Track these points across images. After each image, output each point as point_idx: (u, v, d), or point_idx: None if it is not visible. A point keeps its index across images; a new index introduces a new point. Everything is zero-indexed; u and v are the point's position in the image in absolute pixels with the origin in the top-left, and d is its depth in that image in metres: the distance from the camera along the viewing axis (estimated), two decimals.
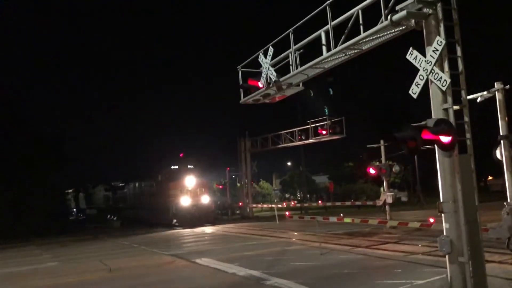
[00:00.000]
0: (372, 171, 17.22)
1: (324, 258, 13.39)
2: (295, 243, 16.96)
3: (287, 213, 17.41)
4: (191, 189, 29.55)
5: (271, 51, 10.67)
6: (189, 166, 31.19)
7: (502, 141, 8.12)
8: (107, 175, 52.78)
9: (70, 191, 64.27)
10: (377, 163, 17.52)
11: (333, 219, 14.45)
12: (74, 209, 63.26)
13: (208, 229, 26.69)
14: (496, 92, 8.27)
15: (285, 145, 29.66)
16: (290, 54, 10.44)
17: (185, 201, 28.83)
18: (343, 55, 9.07)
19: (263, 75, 10.96)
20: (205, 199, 29.85)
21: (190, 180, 29.65)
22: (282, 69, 10.91)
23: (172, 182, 30.11)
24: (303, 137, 27.66)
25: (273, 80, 10.71)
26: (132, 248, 19.99)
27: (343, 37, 8.58)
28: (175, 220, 29.22)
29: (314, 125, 26.50)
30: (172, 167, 31.62)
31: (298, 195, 46.58)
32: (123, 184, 45.23)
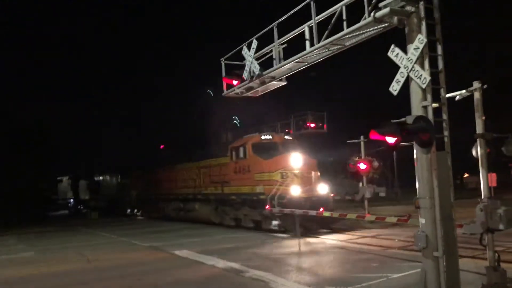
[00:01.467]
0: (363, 165, 17.27)
1: (302, 250, 13.53)
2: (275, 235, 17.09)
3: (267, 206, 17.46)
4: (300, 173, 17.88)
5: (255, 44, 10.65)
6: (286, 137, 20.78)
7: (478, 139, 8.29)
8: (120, 159, 42.34)
9: (64, 178, 56.05)
10: (356, 159, 17.64)
11: (313, 212, 14.57)
12: (71, 200, 53.75)
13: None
14: (474, 91, 8.42)
15: None
16: (274, 48, 10.43)
17: (295, 191, 17.14)
18: (326, 50, 9.10)
19: (247, 68, 10.94)
20: (323, 189, 18.12)
21: (297, 158, 18.02)
22: (265, 62, 10.91)
23: (266, 160, 18.65)
24: (285, 131, 27.73)
25: (257, 73, 10.70)
26: (111, 239, 19.88)
27: (326, 32, 8.60)
28: (275, 222, 18.13)
29: (296, 118, 26.59)
30: (263, 137, 20.03)
31: None
32: (152, 167, 32.50)
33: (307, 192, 17.41)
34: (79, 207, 50.50)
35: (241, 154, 20.18)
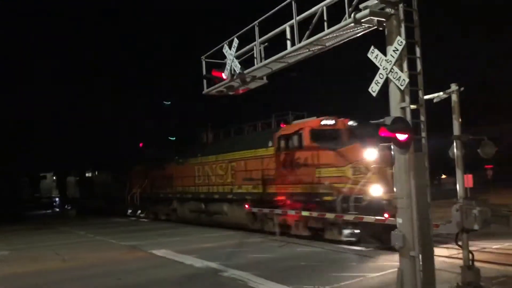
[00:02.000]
0: None
1: (281, 250, 13.56)
2: (254, 235, 17.08)
3: (246, 205, 17.48)
4: (377, 168, 13.84)
5: (236, 42, 10.61)
6: (350, 123, 15.80)
7: (455, 141, 8.43)
8: (117, 154, 38.21)
9: (48, 174, 51.81)
10: None
11: (292, 212, 14.62)
12: (56, 198, 49.08)
13: None
14: (452, 94, 8.56)
15: None
16: (255, 47, 10.41)
17: (376, 191, 13.39)
18: (307, 50, 9.13)
19: (227, 67, 10.89)
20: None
21: (371, 149, 13.93)
22: (246, 61, 10.89)
23: (333, 150, 14.62)
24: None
25: (237, 72, 10.66)
26: (88, 238, 19.59)
27: (307, 32, 8.62)
28: (347, 231, 13.80)
29: (277, 118, 26.63)
30: (325, 122, 15.63)
31: None
32: (159, 162, 27.19)
33: (388, 193, 12.84)
34: (66, 206, 44.44)
35: (295, 143, 15.74)
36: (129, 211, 30.93)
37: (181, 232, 20.06)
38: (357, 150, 14.28)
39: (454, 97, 8.46)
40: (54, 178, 50.46)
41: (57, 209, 46.07)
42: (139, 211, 29.87)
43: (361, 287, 8.66)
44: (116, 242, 17.26)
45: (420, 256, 6.94)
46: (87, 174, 41.40)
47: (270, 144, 16.98)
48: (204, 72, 11.90)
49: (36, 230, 24.83)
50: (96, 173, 39.59)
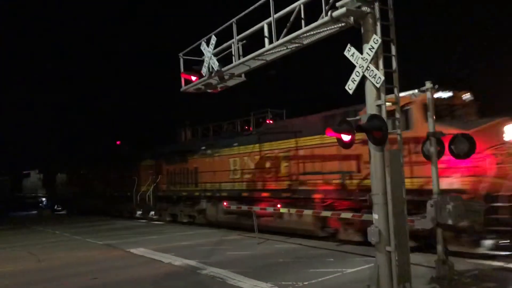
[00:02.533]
0: None
1: (260, 247, 13.61)
2: (233, 233, 17.09)
3: (224, 203, 17.48)
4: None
5: (213, 40, 10.58)
6: (466, 96, 12.15)
7: (429, 137, 8.59)
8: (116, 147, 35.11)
9: (32, 172, 46.56)
10: None
11: (270, 209, 14.67)
12: (43, 198, 44.04)
13: None
14: (426, 91, 8.72)
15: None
16: (233, 45, 10.39)
17: None
18: (285, 48, 9.17)
19: (205, 64, 10.85)
20: None
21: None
22: (224, 59, 10.86)
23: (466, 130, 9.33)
24: (245, 128, 27.76)
25: (215, 69, 10.64)
26: (64, 237, 19.28)
27: (285, 30, 8.66)
28: (489, 242, 9.94)
29: (256, 116, 26.67)
30: (440, 95, 11.46)
31: None
32: (177, 153, 23.14)
33: None
34: (56, 207, 40.27)
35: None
36: (138, 212, 26.75)
37: (159, 230, 19.91)
38: (496, 130, 10.64)
39: (428, 95, 8.62)
40: (40, 175, 45.14)
41: (45, 210, 40.77)
42: (152, 212, 25.40)
43: (338, 283, 8.75)
44: (93, 241, 17.03)
45: (396, 251, 7.07)
46: (82, 171, 36.70)
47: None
48: (181, 69, 11.83)
49: (10, 230, 24.29)
50: (93, 169, 34.78)
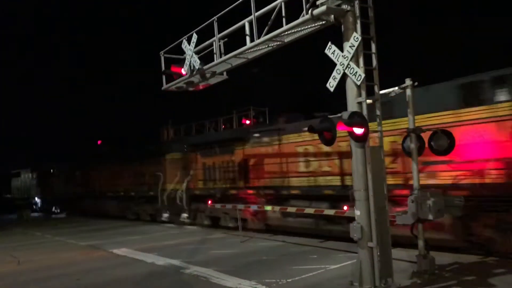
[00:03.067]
0: None
1: (244, 245, 13.61)
2: (217, 232, 17.06)
3: (209, 201, 17.44)
4: None
5: (195, 38, 10.54)
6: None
7: (410, 134, 8.70)
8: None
9: (22, 171, 42.52)
10: None
11: (254, 207, 14.69)
12: (37, 200, 40.12)
13: None
14: (406, 88, 8.82)
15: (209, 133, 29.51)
16: (214, 43, 10.38)
17: None
18: (266, 46, 9.19)
19: (187, 62, 10.81)
20: None
21: None
22: (206, 57, 10.85)
23: None
24: (227, 126, 27.72)
25: (197, 67, 10.61)
26: (45, 239, 19.00)
27: (266, 28, 8.69)
28: None
29: (238, 114, 26.66)
30: None
31: None
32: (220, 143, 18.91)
33: None
34: (54, 209, 36.38)
35: None
36: (165, 215, 22.02)
37: (141, 230, 19.76)
38: None
39: (408, 92, 8.72)
40: (33, 175, 41.09)
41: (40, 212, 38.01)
42: (184, 215, 20.74)
43: (322, 279, 8.80)
44: (75, 243, 16.82)
45: (378, 246, 7.16)
46: (86, 169, 32.33)
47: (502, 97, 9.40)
48: (163, 68, 11.75)
49: None
50: (101, 165, 30.13)
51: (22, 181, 44.19)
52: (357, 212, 7.28)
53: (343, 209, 11.65)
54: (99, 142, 37.10)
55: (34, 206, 40.21)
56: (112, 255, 13.48)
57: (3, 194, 46.34)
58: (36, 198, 40.54)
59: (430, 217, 8.14)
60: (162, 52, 11.85)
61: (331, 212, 11.79)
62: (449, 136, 8.58)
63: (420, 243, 8.61)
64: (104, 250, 14.39)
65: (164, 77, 11.90)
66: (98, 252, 14.21)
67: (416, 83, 8.74)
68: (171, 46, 11.54)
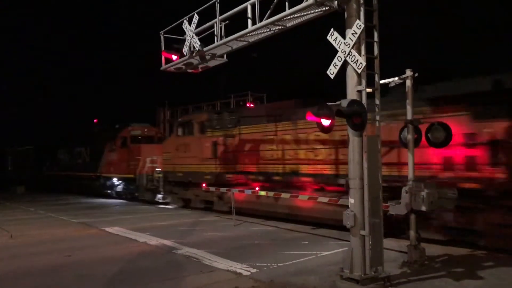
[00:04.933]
0: None
1: (236, 229, 13.68)
2: (210, 215, 17.13)
3: (203, 184, 17.50)
4: None
5: (196, 19, 10.43)
6: None
7: (407, 124, 8.71)
8: None
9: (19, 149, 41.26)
10: None
11: (248, 191, 14.72)
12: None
13: None
14: (406, 79, 8.80)
15: None
16: (215, 24, 10.28)
17: None
18: (268, 30, 9.12)
19: (187, 43, 10.71)
20: None
21: None
22: (206, 38, 10.75)
23: None
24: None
25: (197, 49, 10.51)
26: (39, 214, 19.01)
27: (268, 12, 8.60)
28: None
29: (236, 99, 26.59)
30: None
31: None
32: None
33: None
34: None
35: None
36: (159, 196, 21.53)
37: (135, 209, 19.81)
38: None
39: (408, 83, 8.70)
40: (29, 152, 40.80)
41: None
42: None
43: (313, 265, 8.87)
44: (68, 219, 16.85)
45: (370, 235, 7.20)
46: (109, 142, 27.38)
47: None
48: (162, 48, 11.65)
49: None
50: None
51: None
52: (351, 200, 7.31)
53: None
54: (95, 120, 36.95)
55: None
56: (105, 233, 13.52)
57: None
58: None
59: (423, 208, 8.19)
60: (162, 32, 11.74)
61: (324, 199, 11.82)
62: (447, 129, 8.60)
63: (412, 233, 8.68)
64: (97, 228, 14.42)
65: (163, 57, 11.79)
66: (91, 230, 14.24)
67: (416, 74, 8.72)
68: (171, 26, 11.43)
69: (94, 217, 17.31)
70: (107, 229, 14.13)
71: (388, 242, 10.15)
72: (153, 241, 11.85)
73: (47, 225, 15.53)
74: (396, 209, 8.60)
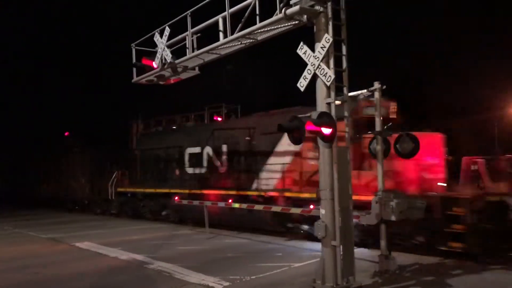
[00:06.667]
0: None
1: (209, 242, 13.58)
2: (184, 228, 16.96)
3: (176, 197, 17.35)
4: None
5: (167, 31, 10.42)
6: None
7: (376, 136, 8.88)
8: None
9: None
10: None
11: (222, 204, 14.66)
12: None
13: None
14: (375, 91, 9.00)
15: None
16: (187, 37, 10.29)
17: None
18: (239, 43, 9.18)
19: (158, 55, 10.68)
20: None
21: None
22: (178, 51, 10.75)
23: None
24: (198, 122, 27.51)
25: (168, 61, 10.50)
26: (4, 231, 18.44)
27: (240, 25, 8.67)
28: None
29: (210, 110, 26.50)
30: None
31: None
32: None
33: None
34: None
35: None
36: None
37: (108, 224, 19.44)
38: None
39: (376, 95, 8.89)
40: None
41: None
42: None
43: (285, 277, 8.87)
44: (37, 235, 16.40)
45: (341, 245, 7.26)
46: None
47: None
48: (134, 60, 11.57)
49: None
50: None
51: None
52: (322, 211, 7.37)
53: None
54: (66, 133, 36.24)
55: None
56: (75, 249, 13.22)
57: None
58: None
59: (393, 218, 8.33)
60: (133, 44, 11.68)
61: (297, 210, 11.88)
62: (414, 140, 8.81)
63: (382, 243, 8.80)
64: (67, 244, 14.09)
65: (134, 69, 11.72)
66: (60, 246, 13.90)
67: (384, 87, 8.92)
68: (143, 38, 11.38)
69: (63, 232, 16.90)
70: (77, 244, 13.82)
71: (360, 252, 10.28)
72: (124, 255, 11.64)
73: (15, 242, 15.07)
74: (367, 219, 8.72)
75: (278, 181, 13.67)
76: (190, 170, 17.69)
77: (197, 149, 17.30)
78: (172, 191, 17.66)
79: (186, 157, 17.89)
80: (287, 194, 13.21)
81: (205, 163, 16.90)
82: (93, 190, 25.39)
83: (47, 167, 31.76)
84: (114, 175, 22.61)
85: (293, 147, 12.30)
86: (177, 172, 18.46)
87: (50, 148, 34.43)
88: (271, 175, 13.97)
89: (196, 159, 17.36)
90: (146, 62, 11.14)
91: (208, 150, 16.81)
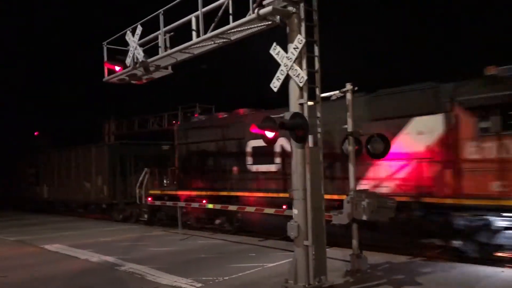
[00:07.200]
0: None
1: (183, 243, 13.48)
2: (156, 229, 16.78)
3: (149, 198, 17.17)
4: None
5: (139, 30, 10.28)
6: None
7: (348, 137, 8.97)
8: None
9: None
10: None
11: (195, 204, 14.57)
12: None
13: None
14: (346, 93, 9.08)
15: (153, 129, 28.97)
16: (159, 36, 10.18)
17: None
18: (212, 43, 9.13)
19: (130, 54, 10.52)
20: None
21: None
22: (151, 50, 10.62)
23: None
24: (172, 122, 27.31)
25: (140, 60, 10.36)
26: None
27: (213, 25, 8.63)
28: None
29: (184, 110, 26.35)
30: None
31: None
32: None
33: None
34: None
35: None
36: None
37: (76, 226, 19.06)
38: None
39: (348, 96, 8.98)
40: None
41: None
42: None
43: (258, 277, 8.88)
44: (3, 238, 15.95)
45: (313, 245, 7.31)
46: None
47: None
48: (105, 58, 11.38)
49: None
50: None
51: None
52: (295, 211, 7.40)
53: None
54: (36, 133, 35.41)
55: None
56: (44, 251, 12.91)
57: None
58: None
59: (364, 217, 8.42)
60: (105, 43, 11.48)
61: (271, 211, 11.91)
62: (385, 140, 8.94)
63: (354, 242, 8.89)
64: (35, 246, 13.75)
65: (106, 68, 11.52)
66: (29, 248, 13.56)
67: (356, 88, 9.02)
68: (114, 36, 11.20)
69: (32, 234, 16.49)
70: (47, 246, 13.50)
71: (332, 252, 10.36)
72: (95, 258, 11.44)
73: None
74: (339, 219, 8.78)
75: None
76: (253, 168, 14.34)
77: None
78: (239, 194, 14.42)
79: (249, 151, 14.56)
80: None
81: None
82: (115, 192, 21.39)
83: (45, 166, 28.22)
84: (143, 175, 18.63)
85: None
86: (235, 170, 14.98)
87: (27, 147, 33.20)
88: None
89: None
90: (109, 66, 11.01)
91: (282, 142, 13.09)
